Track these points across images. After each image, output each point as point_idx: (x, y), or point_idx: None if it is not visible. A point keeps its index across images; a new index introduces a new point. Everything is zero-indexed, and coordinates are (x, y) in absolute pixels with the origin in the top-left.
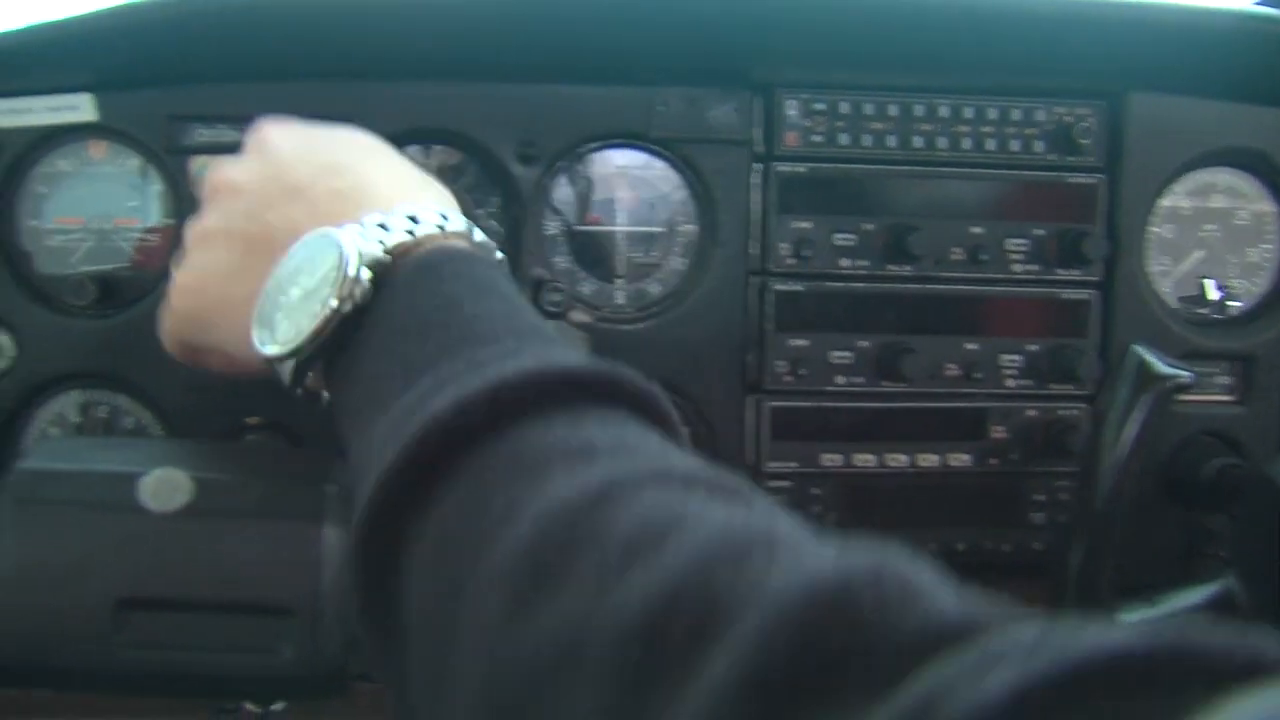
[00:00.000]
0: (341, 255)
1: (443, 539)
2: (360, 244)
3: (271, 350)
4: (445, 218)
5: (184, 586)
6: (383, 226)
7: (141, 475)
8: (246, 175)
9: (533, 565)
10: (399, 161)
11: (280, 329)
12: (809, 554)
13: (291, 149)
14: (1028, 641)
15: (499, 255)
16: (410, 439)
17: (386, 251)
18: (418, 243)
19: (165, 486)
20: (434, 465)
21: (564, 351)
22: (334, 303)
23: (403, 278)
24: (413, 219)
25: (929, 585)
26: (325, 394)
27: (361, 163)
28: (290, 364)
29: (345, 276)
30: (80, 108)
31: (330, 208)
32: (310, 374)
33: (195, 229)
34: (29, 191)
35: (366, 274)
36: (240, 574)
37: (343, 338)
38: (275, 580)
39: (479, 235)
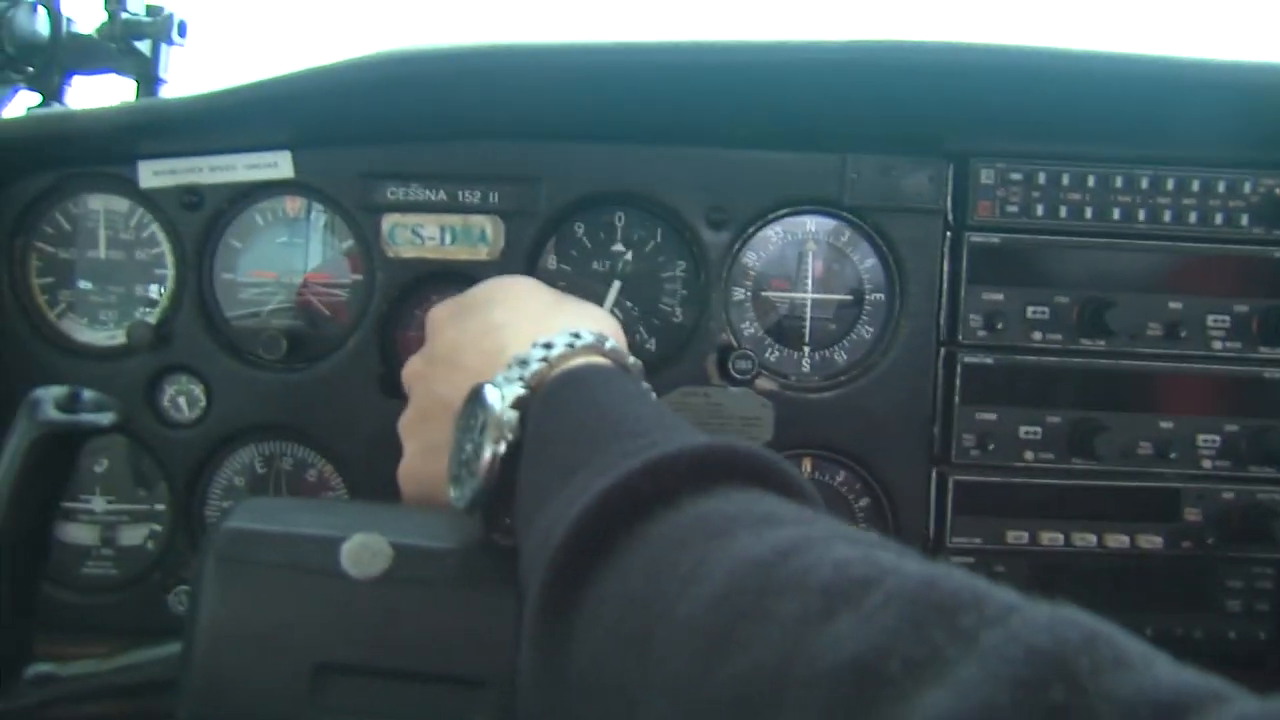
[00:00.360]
0: (486, 404)
1: (627, 600)
2: (503, 389)
3: (461, 505)
4: (577, 335)
5: (381, 654)
6: (522, 363)
7: (343, 540)
8: (424, 363)
9: (729, 612)
10: (539, 296)
11: (465, 484)
12: (1020, 615)
13: (450, 325)
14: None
15: (632, 360)
16: (582, 511)
17: (525, 386)
18: (551, 366)
19: (365, 553)
20: (606, 537)
21: (716, 438)
22: (489, 448)
23: (540, 399)
24: (547, 346)
25: (1141, 655)
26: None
27: (503, 316)
28: (478, 514)
29: (492, 421)
30: (279, 165)
31: (482, 367)
32: (501, 517)
33: (401, 425)
34: (225, 245)
35: (512, 413)
36: (436, 643)
37: (510, 476)
38: (470, 650)
39: (611, 344)
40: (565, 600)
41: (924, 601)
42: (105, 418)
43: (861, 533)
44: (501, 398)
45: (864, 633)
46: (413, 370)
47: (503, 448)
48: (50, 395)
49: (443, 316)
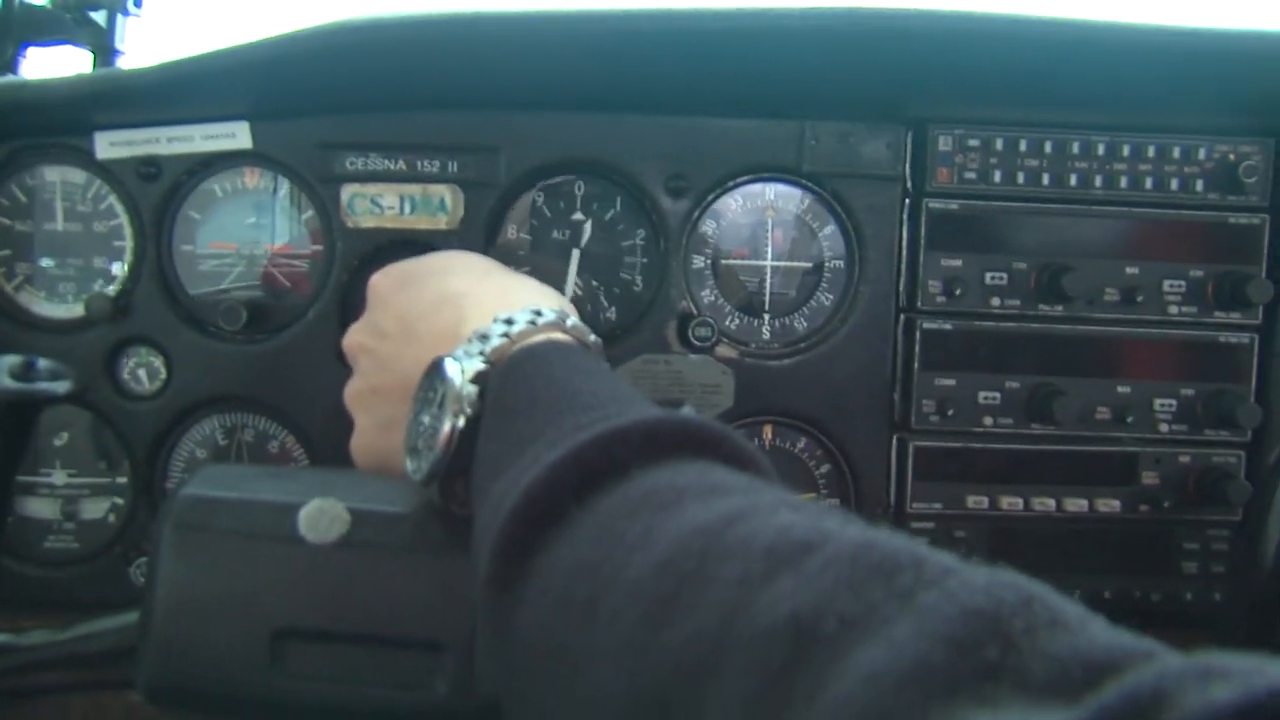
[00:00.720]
0: (446, 378)
1: (575, 568)
2: (463, 362)
3: (419, 478)
4: (539, 313)
5: (339, 619)
6: (483, 338)
7: (300, 506)
8: (369, 334)
9: (674, 576)
10: (494, 272)
11: (423, 457)
12: (957, 577)
13: (399, 297)
14: (1244, 665)
15: (593, 338)
16: (532, 482)
17: (486, 360)
18: (513, 342)
19: (323, 518)
20: (555, 508)
21: (671, 410)
22: (447, 421)
23: (499, 373)
24: (508, 322)
25: (1076, 616)
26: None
27: (462, 285)
28: (435, 485)
29: (452, 395)
30: (237, 135)
31: (440, 341)
32: (458, 490)
33: (347, 396)
34: (184, 217)
35: (471, 388)
36: (394, 608)
37: (468, 449)
38: (429, 615)
39: (572, 321)
40: (514, 570)
41: (862, 563)
42: (61, 386)
43: (809, 502)
44: (461, 371)
45: (802, 593)
46: (357, 341)
47: (461, 421)
48: (4, 364)
49: (386, 285)
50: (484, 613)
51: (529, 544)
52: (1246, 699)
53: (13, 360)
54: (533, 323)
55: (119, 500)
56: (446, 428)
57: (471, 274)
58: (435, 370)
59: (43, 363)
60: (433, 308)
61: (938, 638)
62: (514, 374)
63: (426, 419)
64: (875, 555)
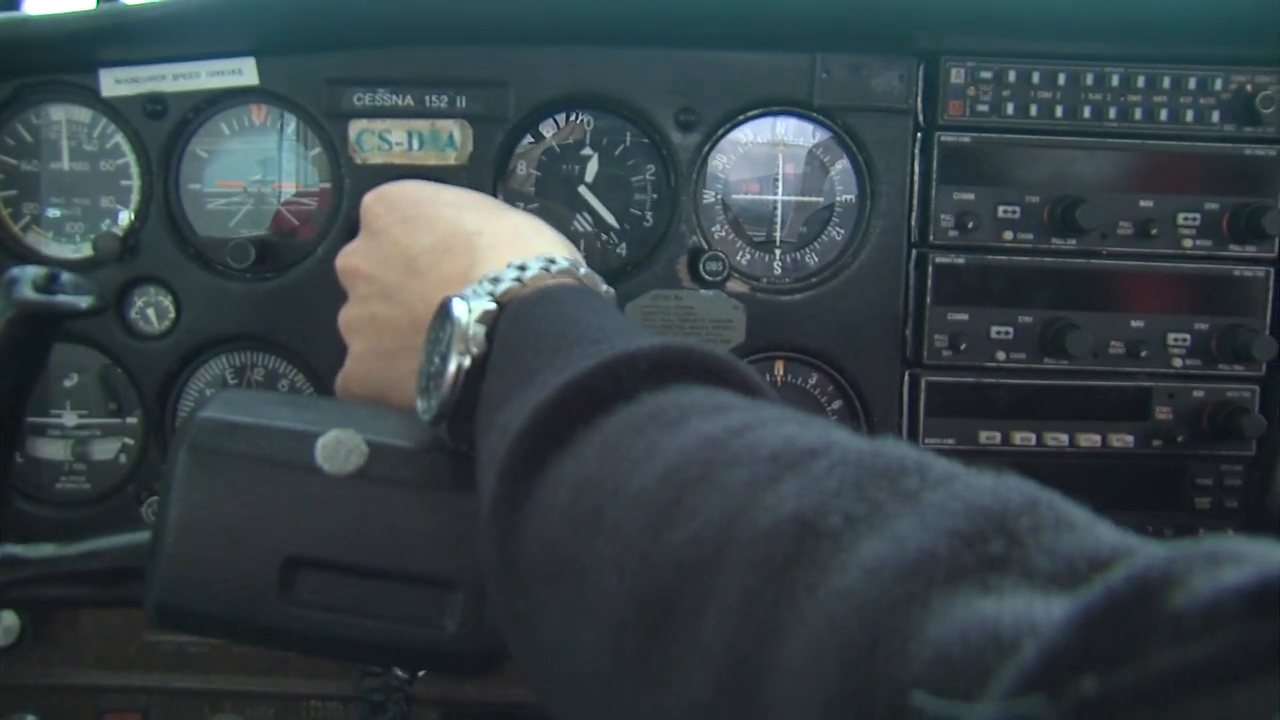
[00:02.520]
0: (454, 317)
1: (580, 483)
2: (471, 302)
3: (428, 418)
4: (552, 261)
5: (351, 551)
6: (494, 281)
7: (318, 435)
8: (367, 260)
9: (679, 483)
10: (508, 214)
11: (431, 396)
12: (963, 480)
13: (401, 226)
14: (1254, 549)
15: (605, 288)
16: (538, 405)
17: (495, 301)
18: (524, 286)
19: (341, 449)
20: (562, 430)
21: (679, 339)
22: (454, 360)
23: (509, 314)
24: (521, 268)
25: (1084, 519)
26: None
27: (473, 229)
28: (444, 425)
29: (459, 334)
30: (243, 72)
31: (449, 281)
32: (467, 430)
33: (343, 320)
34: (191, 155)
35: (479, 327)
36: (407, 543)
37: (475, 389)
38: (442, 553)
39: (585, 270)
40: (520, 489)
41: (868, 466)
42: (84, 300)
43: (815, 416)
44: (469, 311)
45: (807, 493)
46: (353, 265)
47: (468, 361)
48: (28, 275)
49: (384, 209)
50: (489, 535)
51: (535, 464)
52: (1257, 581)
53: (36, 272)
54: (546, 269)
55: (129, 441)
56: (453, 367)
57: (484, 214)
58: (443, 310)
59: (66, 276)
60: (443, 244)
61: (941, 531)
62: (523, 314)
63: (436, 359)
64: (881, 460)
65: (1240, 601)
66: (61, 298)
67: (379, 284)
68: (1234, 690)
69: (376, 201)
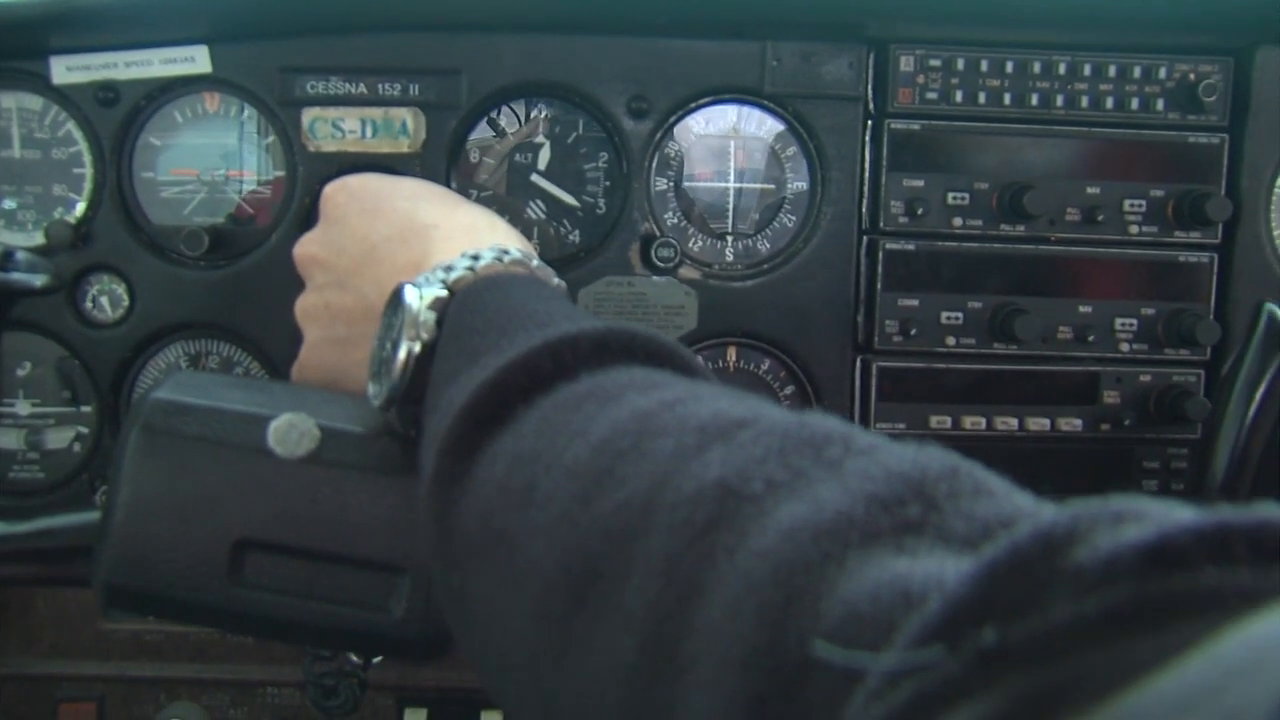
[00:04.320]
0: (404, 303)
1: (516, 457)
2: (422, 289)
3: (378, 403)
4: (505, 251)
5: (300, 534)
6: (447, 269)
7: (271, 419)
8: (325, 249)
9: (609, 454)
10: (463, 206)
11: (382, 382)
12: (885, 449)
13: (360, 217)
14: (1156, 508)
15: (557, 281)
16: (479, 385)
17: (447, 288)
18: (476, 274)
19: (293, 432)
20: (502, 408)
21: (623, 323)
22: (404, 346)
23: (458, 299)
24: (474, 257)
25: (1003, 488)
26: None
27: (429, 221)
28: (394, 410)
29: (409, 319)
30: (196, 59)
31: (403, 269)
32: (415, 416)
33: (299, 307)
34: (144, 143)
35: (429, 313)
36: (356, 527)
37: (425, 375)
38: (391, 537)
39: (537, 262)
40: (460, 466)
41: (794, 436)
42: (38, 278)
43: (750, 394)
44: (420, 297)
45: (731, 460)
46: (310, 253)
47: (418, 347)
48: None
49: (344, 200)
50: (427, 510)
51: (475, 441)
52: (1156, 537)
53: None
54: (499, 259)
55: (84, 429)
56: (403, 353)
57: (441, 206)
58: (395, 297)
59: (21, 254)
60: (399, 235)
61: (860, 495)
62: (472, 299)
63: (387, 345)
64: (806, 431)
65: (1138, 556)
66: (16, 275)
67: (335, 272)
68: (1127, 641)
69: (337, 192)
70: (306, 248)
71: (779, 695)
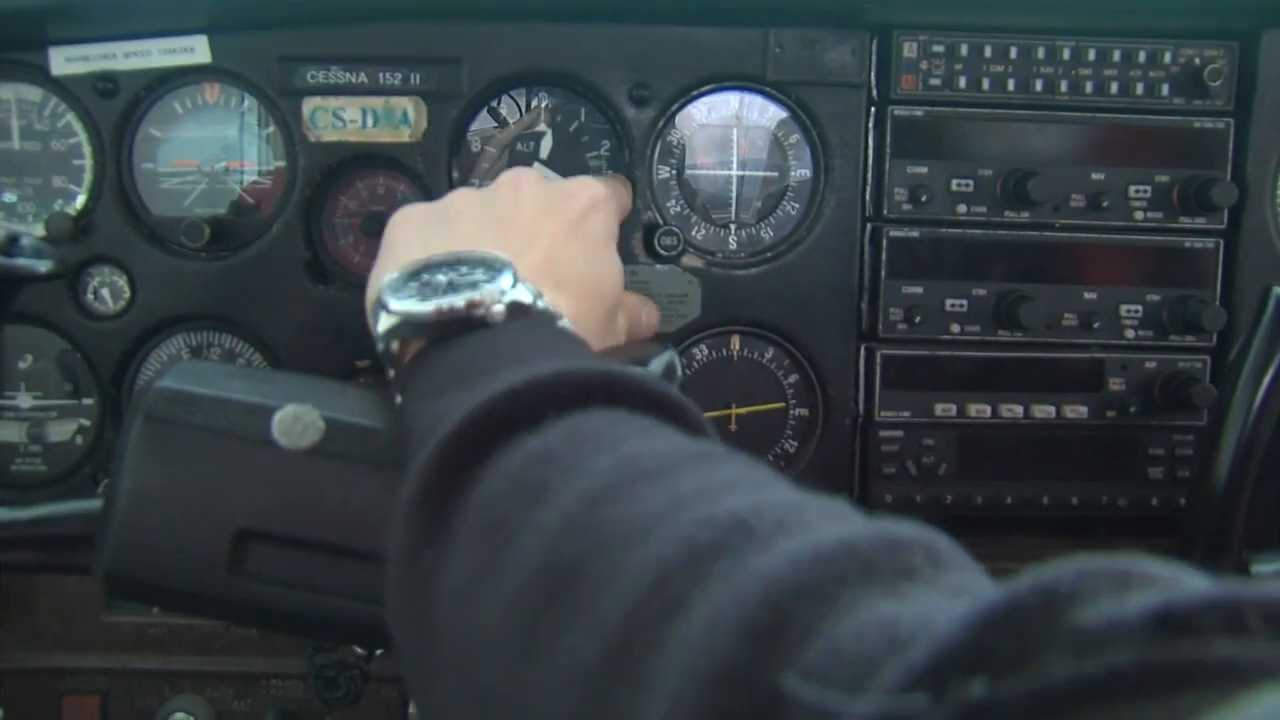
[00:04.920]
0: (507, 274)
1: (536, 454)
2: (521, 287)
3: (395, 304)
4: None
5: (303, 526)
6: (528, 288)
7: (275, 410)
8: (479, 202)
9: (635, 472)
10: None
11: (408, 297)
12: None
13: (533, 199)
14: (1164, 573)
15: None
16: (527, 380)
17: (517, 303)
18: (532, 307)
19: (297, 424)
20: (534, 410)
21: (627, 367)
22: (482, 296)
23: (514, 330)
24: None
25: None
26: (391, 371)
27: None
28: (396, 319)
29: (498, 292)
30: (195, 50)
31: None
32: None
33: (459, 194)
34: (144, 134)
35: (503, 306)
36: (359, 520)
37: (450, 332)
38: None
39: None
40: (478, 450)
41: (816, 498)
42: (43, 264)
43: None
44: (514, 285)
45: (748, 500)
46: (461, 195)
47: (481, 312)
48: None
49: (531, 183)
50: (425, 480)
51: (498, 434)
52: (1161, 606)
53: None
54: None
55: (85, 422)
56: (469, 299)
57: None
58: (497, 260)
59: (26, 239)
60: (538, 240)
61: (867, 533)
62: (528, 320)
63: (443, 278)
64: (827, 499)
65: (1142, 623)
66: (21, 261)
67: (472, 212)
68: (1127, 708)
69: (522, 174)
70: (520, 178)
71: (746, 717)
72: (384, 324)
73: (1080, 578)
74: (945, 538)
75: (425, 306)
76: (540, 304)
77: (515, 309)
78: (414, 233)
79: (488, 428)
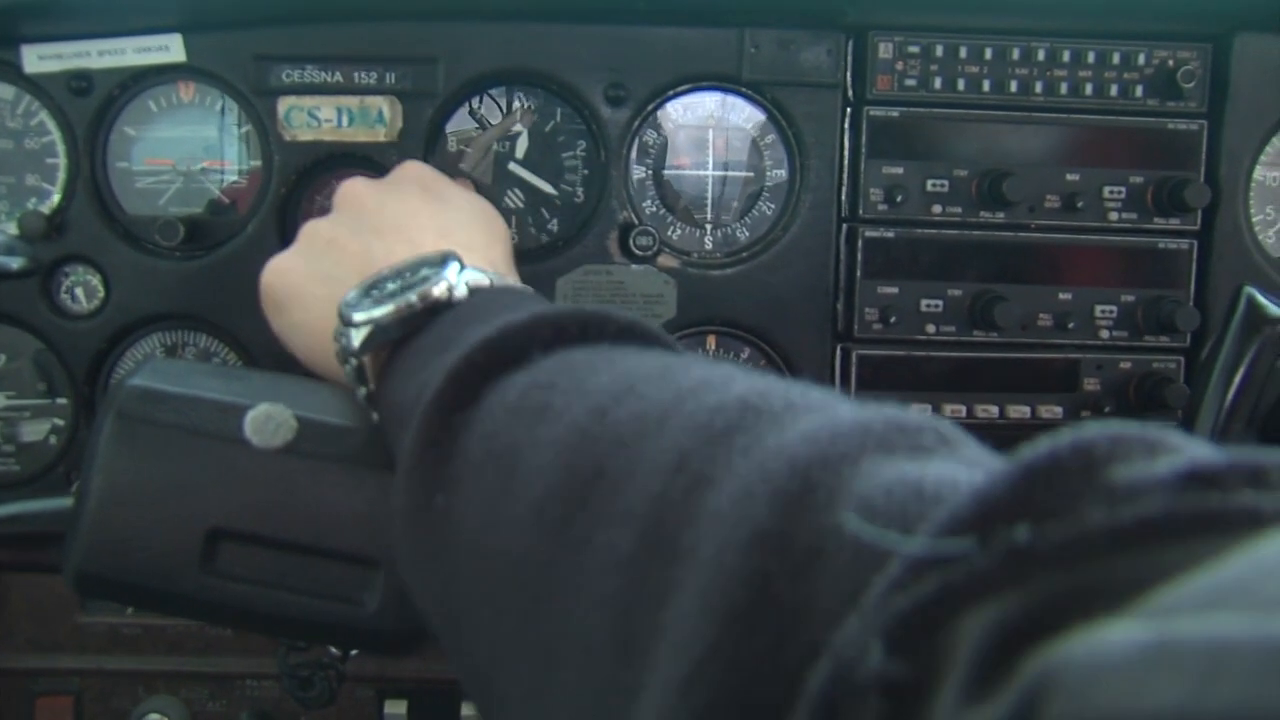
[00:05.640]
0: (452, 263)
1: (530, 385)
2: (468, 274)
3: (360, 316)
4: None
5: (275, 525)
6: (480, 271)
7: (248, 408)
8: (376, 199)
9: (635, 377)
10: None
11: (369, 307)
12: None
13: (424, 191)
14: (1190, 444)
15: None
16: (505, 326)
17: (476, 285)
18: (490, 285)
19: (270, 423)
20: (520, 352)
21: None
22: (434, 285)
23: (478, 299)
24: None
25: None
26: (363, 389)
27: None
28: (366, 330)
29: (445, 281)
30: (170, 48)
31: (431, 250)
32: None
33: (310, 226)
34: (118, 133)
35: (463, 291)
36: (331, 519)
37: (416, 325)
38: (366, 530)
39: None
40: (467, 393)
41: (754, 394)
42: (15, 261)
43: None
44: (458, 272)
45: (755, 384)
46: (357, 194)
47: (434, 301)
48: None
49: (418, 171)
50: (424, 430)
51: (486, 374)
52: (1188, 465)
53: None
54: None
55: (59, 421)
56: (422, 293)
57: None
58: (438, 258)
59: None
60: (446, 229)
61: (879, 416)
62: (477, 304)
63: (391, 285)
64: (764, 395)
65: (1173, 479)
66: None
67: (365, 219)
68: (1156, 550)
69: (412, 165)
70: (359, 187)
71: (786, 574)
72: (358, 338)
73: (1114, 442)
74: (950, 423)
75: (385, 309)
76: (496, 280)
77: (475, 290)
78: (297, 289)
79: (477, 374)
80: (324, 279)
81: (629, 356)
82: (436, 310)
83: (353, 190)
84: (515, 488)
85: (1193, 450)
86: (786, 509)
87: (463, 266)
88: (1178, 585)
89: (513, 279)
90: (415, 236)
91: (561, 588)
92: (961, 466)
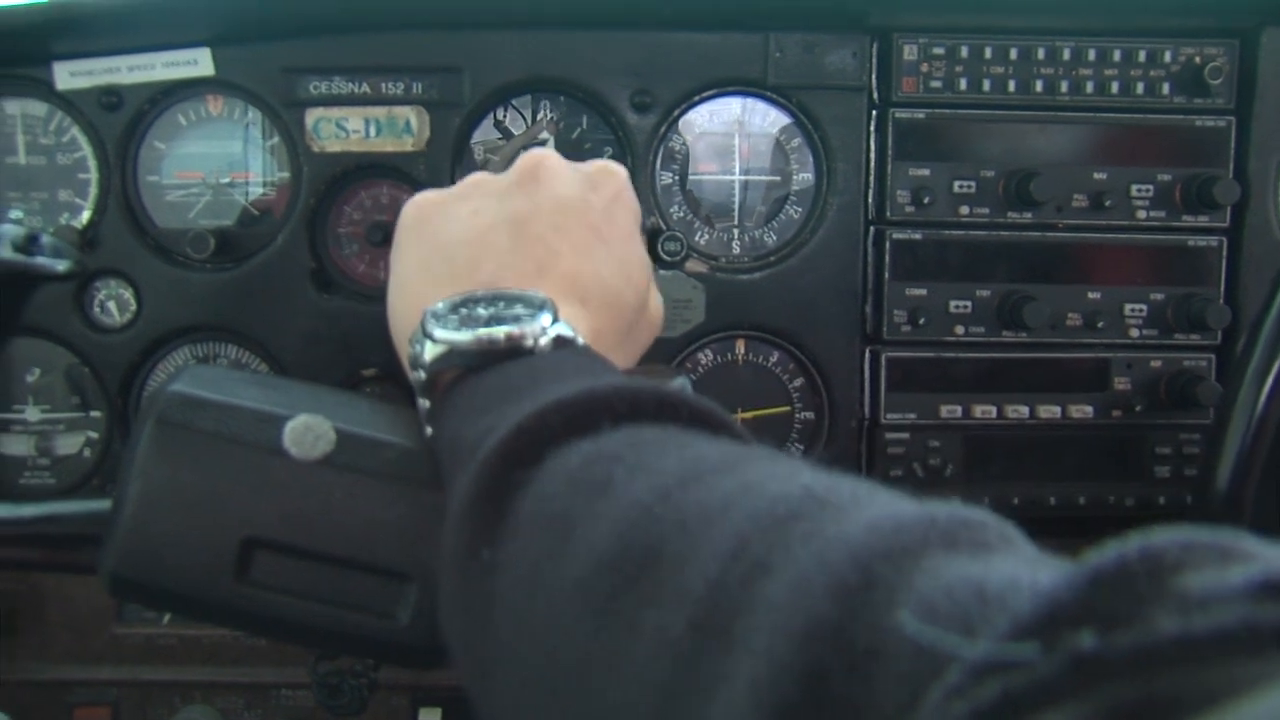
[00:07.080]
0: (546, 313)
1: (594, 454)
2: (559, 326)
3: (441, 334)
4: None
5: (310, 536)
6: (570, 327)
7: (287, 419)
8: (515, 198)
9: (704, 467)
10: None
11: (454, 327)
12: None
13: (551, 198)
14: (1266, 551)
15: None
16: (584, 390)
17: (561, 337)
18: (574, 341)
19: (309, 434)
20: (590, 417)
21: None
22: (535, 323)
23: (558, 356)
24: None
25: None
26: (426, 402)
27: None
28: (442, 349)
29: (537, 326)
30: (198, 62)
31: (549, 283)
32: (438, 376)
33: (478, 180)
34: (148, 147)
35: (547, 341)
36: (367, 533)
37: (487, 361)
38: (401, 545)
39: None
40: (532, 452)
41: (776, 510)
42: (61, 264)
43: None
44: (552, 322)
45: (820, 478)
46: (480, 180)
47: (529, 343)
48: (7, 234)
49: (554, 165)
50: (481, 481)
51: (553, 436)
52: (1262, 576)
53: (16, 232)
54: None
55: (93, 434)
56: (521, 329)
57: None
58: (538, 298)
59: (46, 238)
60: (564, 255)
61: (943, 511)
62: (563, 358)
63: (482, 311)
64: (806, 498)
65: (1247, 589)
66: (40, 259)
67: (488, 213)
68: (1228, 663)
69: (545, 156)
70: (554, 164)
71: (841, 672)
72: (430, 353)
73: (1184, 549)
74: (1011, 524)
75: (466, 336)
76: (580, 340)
77: (559, 343)
78: (430, 233)
79: (543, 433)
80: (445, 256)
81: (698, 442)
82: (517, 353)
83: (550, 166)
84: (565, 556)
85: (1268, 557)
86: (846, 602)
87: (555, 319)
88: (1251, 701)
89: (603, 350)
90: (547, 262)
91: (602, 664)
92: (1024, 567)
